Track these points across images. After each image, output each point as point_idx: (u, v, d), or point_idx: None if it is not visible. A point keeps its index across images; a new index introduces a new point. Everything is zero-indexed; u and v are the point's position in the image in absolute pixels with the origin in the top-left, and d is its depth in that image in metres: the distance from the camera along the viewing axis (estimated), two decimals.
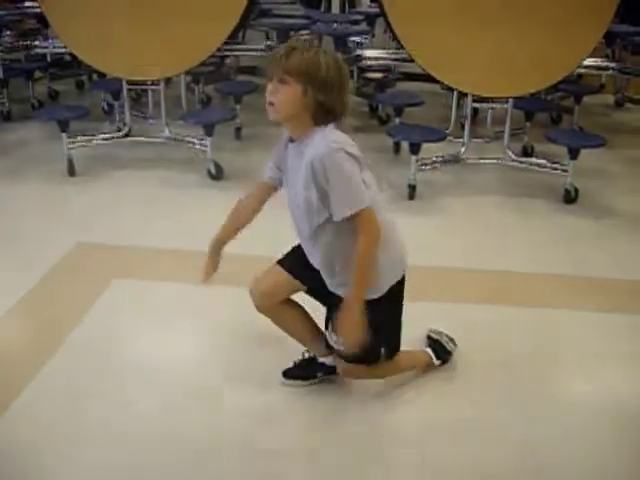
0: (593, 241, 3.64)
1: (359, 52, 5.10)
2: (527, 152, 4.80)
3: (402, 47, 4.26)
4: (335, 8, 7.92)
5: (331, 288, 2.18)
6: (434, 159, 4.33)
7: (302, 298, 2.38)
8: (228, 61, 6.05)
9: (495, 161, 4.42)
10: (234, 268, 3.26)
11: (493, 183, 4.41)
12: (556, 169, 4.23)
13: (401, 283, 2.20)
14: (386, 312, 2.17)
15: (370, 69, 5.78)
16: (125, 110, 4.70)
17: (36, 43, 5.54)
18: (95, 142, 4.65)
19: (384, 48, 5.51)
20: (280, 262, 2.33)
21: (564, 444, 2.23)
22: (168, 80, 4.95)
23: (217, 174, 4.33)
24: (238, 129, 5.12)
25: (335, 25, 5.65)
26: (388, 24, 4.37)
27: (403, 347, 2.35)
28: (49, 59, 6.09)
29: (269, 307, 2.33)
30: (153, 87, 4.68)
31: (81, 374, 2.52)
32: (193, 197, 4.11)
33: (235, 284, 3.06)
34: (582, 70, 5.09)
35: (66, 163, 4.35)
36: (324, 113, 1.98)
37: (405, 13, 4.04)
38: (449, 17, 3.95)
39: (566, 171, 4.10)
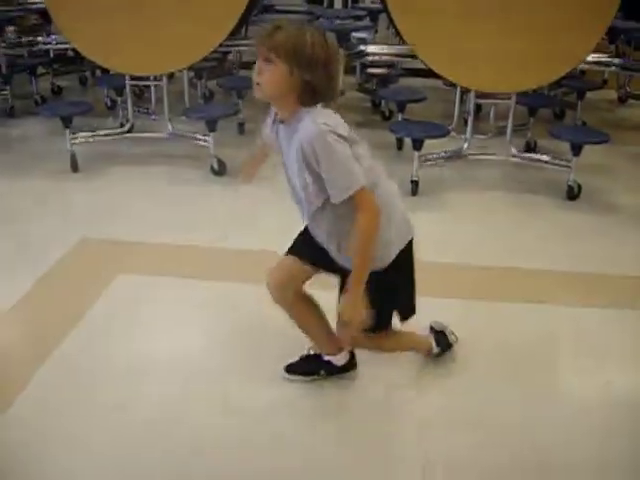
0: (596, 237, 3.64)
1: (362, 48, 5.10)
2: (530, 148, 4.79)
3: (405, 43, 4.26)
4: (338, 4, 7.92)
5: (340, 262, 2.14)
6: (437, 155, 4.33)
7: (318, 296, 2.38)
8: (230, 56, 6.04)
9: (498, 157, 4.41)
10: (239, 264, 3.29)
11: (496, 179, 4.42)
12: (559, 165, 4.22)
13: (409, 249, 2.16)
14: (395, 280, 2.13)
15: (373, 65, 5.78)
16: (128, 106, 4.70)
17: (39, 39, 5.55)
18: (98, 138, 4.66)
19: (387, 44, 5.51)
20: (289, 251, 2.32)
21: (566, 440, 2.23)
22: (171, 76, 4.95)
23: (220, 169, 4.33)
24: (241, 124, 5.12)
25: (338, 21, 5.65)
26: (390, 19, 4.37)
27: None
28: (52, 55, 6.10)
29: (286, 299, 2.31)
30: (156, 83, 4.68)
31: (84, 368, 2.53)
32: (196, 192, 4.12)
33: (240, 280, 3.09)
34: (585, 66, 5.08)
35: (69, 159, 4.36)
36: (310, 93, 1.94)
37: (407, 8, 4.03)
38: (451, 13, 3.94)
39: (569, 167, 4.10)
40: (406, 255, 2.16)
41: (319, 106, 1.96)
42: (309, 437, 2.25)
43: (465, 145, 4.40)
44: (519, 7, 3.86)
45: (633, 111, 6.01)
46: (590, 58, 4.56)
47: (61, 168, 4.36)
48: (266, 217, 3.73)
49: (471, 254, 3.41)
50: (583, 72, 5.76)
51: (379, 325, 2.16)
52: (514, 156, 4.38)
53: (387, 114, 5.44)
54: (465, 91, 4.56)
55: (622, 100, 6.19)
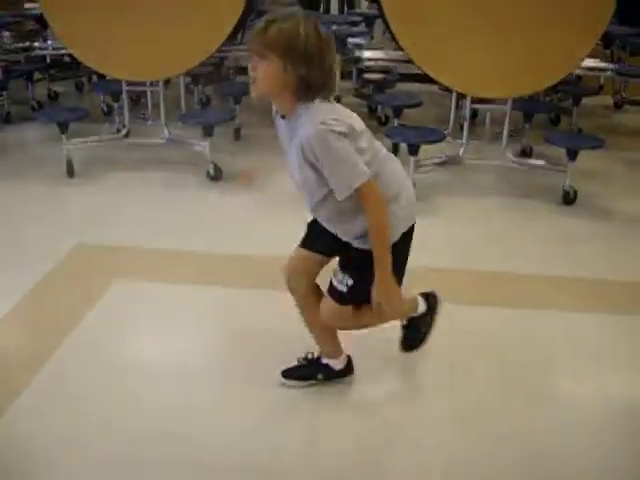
0: (592, 242, 3.65)
1: (358, 53, 5.11)
2: (526, 153, 4.80)
3: (400, 48, 4.27)
4: (334, 9, 7.93)
5: (344, 239, 2.15)
6: (433, 160, 4.34)
7: None
8: (227, 62, 6.05)
9: (494, 162, 4.42)
10: (235, 269, 3.29)
11: (492, 184, 4.42)
12: (555, 170, 4.23)
13: (411, 232, 2.17)
14: (396, 255, 2.11)
15: (369, 70, 5.79)
16: (124, 111, 4.71)
17: (36, 45, 5.56)
18: (94, 143, 4.66)
19: (383, 49, 5.52)
20: (301, 244, 2.33)
21: (563, 445, 2.23)
22: (167, 81, 4.96)
23: (216, 175, 4.33)
24: (237, 130, 5.13)
25: (334, 26, 5.66)
26: (387, 25, 4.38)
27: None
28: (48, 61, 6.10)
29: (299, 288, 2.32)
30: (152, 88, 4.68)
31: (81, 375, 2.52)
32: (192, 198, 4.12)
33: (236, 285, 3.09)
34: (581, 72, 5.09)
35: (65, 164, 4.36)
36: (307, 88, 1.92)
37: (403, 12, 4.04)
38: (446, 18, 3.95)
39: (565, 172, 4.10)
40: (406, 239, 2.16)
41: (317, 101, 1.95)
42: (306, 444, 2.24)
43: (461, 150, 4.41)
44: (514, 13, 3.87)
45: (629, 116, 6.03)
46: (586, 63, 4.57)
47: (57, 173, 4.36)
48: (262, 222, 3.73)
49: (467, 259, 3.42)
50: (579, 77, 5.78)
51: (363, 298, 2.15)
52: (510, 161, 4.39)
53: (383, 119, 5.45)
54: (461, 96, 4.57)
55: (618, 106, 6.21)
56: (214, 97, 5.84)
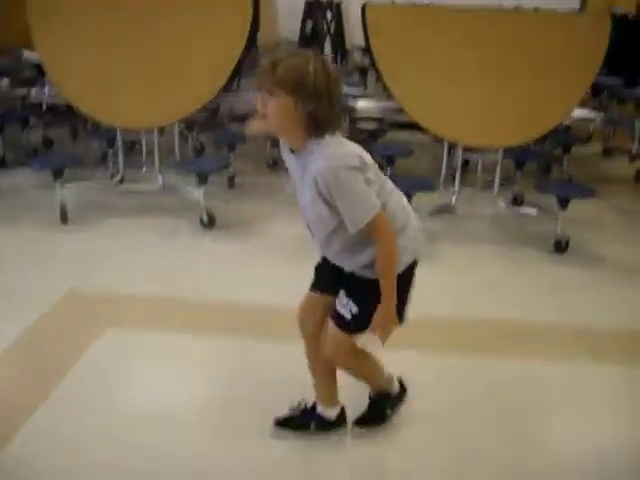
0: (583, 290, 3.66)
1: (352, 103, 5.18)
2: (517, 201, 4.84)
3: (393, 98, 4.34)
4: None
5: (351, 269, 2.17)
6: (426, 209, 4.36)
7: None
8: (222, 109, 6.12)
9: (486, 210, 4.46)
10: (228, 317, 3.28)
11: (484, 232, 4.45)
12: (546, 218, 4.27)
13: (414, 266, 2.21)
14: (401, 287, 2.13)
15: (362, 119, 5.86)
16: (119, 158, 4.74)
17: (33, 91, 5.61)
18: (88, 189, 4.68)
19: (376, 99, 5.60)
20: (310, 288, 2.35)
21: None
22: (162, 128, 5.00)
23: (210, 222, 4.34)
24: (231, 178, 5.16)
25: None
26: (379, 75, 4.46)
27: None
28: (45, 107, 6.15)
29: (306, 329, 2.34)
30: (147, 136, 4.72)
31: (69, 427, 2.48)
32: (186, 245, 4.12)
33: (229, 333, 3.08)
34: (571, 121, 5.17)
35: (59, 210, 4.37)
36: (315, 124, 1.94)
37: (395, 65, 4.12)
38: (437, 69, 4.03)
39: (556, 220, 4.14)
40: (409, 273, 2.20)
41: (327, 136, 1.98)
42: None
43: (453, 198, 4.45)
44: (505, 65, 3.95)
45: (619, 164, 6.10)
46: (575, 113, 4.65)
47: (51, 219, 4.36)
48: (256, 270, 3.74)
49: (458, 306, 3.42)
50: (569, 127, 5.87)
51: (365, 326, 2.16)
52: (502, 209, 4.43)
53: None
54: (452, 145, 4.63)
55: (607, 154, 6.29)
56: (208, 144, 5.89)
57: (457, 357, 2.95)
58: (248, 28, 4.25)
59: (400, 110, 4.41)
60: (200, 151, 5.78)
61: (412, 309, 2.23)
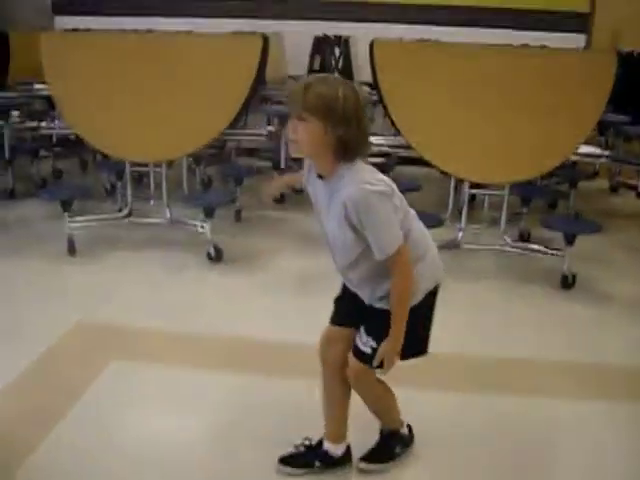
0: (591, 327, 3.64)
1: None
2: (524, 237, 4.84)
3: (400, 133, 4.37)
4: None
5: (368, 301, 2.19)
6: None
7: None
8: (230, 144, 6.17)
9: (492, 246, 4.46)
10: (234, 352, 3.26)
11: (491, 268, 4.44)
12: (553, 254, 4.26)
13: (435, 293, 2.20)
14: (418, 318, 2.14)
15: (370, 154, 5.87)
16: (127, 191, 4.77)
17: (43, 124, 5.68)
18: (96, 222, 4.71)
19: (383, 134, 5.63)
20: (330, 320, 2.36)
21: None
22: (170, 162, 5.05)
23: (216, 256, 4.35)
24: (238, 212, 5.18)
25: None
26: (386, 111, 4.50)
27: None
28: (54, 139, 6.22)
29: (325, 360, 2.33)
30: (155, 169, 4.76)
31: (72, 461, 2.46)
32: (193, 279, 4.13)
33: (236, 368, 3.06)
34: (576, 158, 5.19)
35: (67, 242, 4.39)
36: (345, 149, 1.98)
37: (402, 101, 4.16)
38: (444, 106, 4.07)
39: (563, 256, 4.13)
40: (434, 293, 2.20)
41: (358, 161, 2.02)
42: None
43: (460, 234, 4.45)
44: (510, 103, 3.98)
45: (625, 200, 6.11)
46: (581, 150, 4.67)
47: (59, 251, 4.39)
48: (263, 305, 3.73)
49: (464, 344, 3.39)
50: (574, 163, 5.89)
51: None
52: (509, 245, 4.42)
53: None
54: (459, 181, 4.64)
55: (614, 189, 6.30)
56: (215, 178, 5.93)
57: (461, 395, 2.93)
58: (257, 67, 4.31)
59: (408, 146, 4.44)
60: (207, 185, 5.81)
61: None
